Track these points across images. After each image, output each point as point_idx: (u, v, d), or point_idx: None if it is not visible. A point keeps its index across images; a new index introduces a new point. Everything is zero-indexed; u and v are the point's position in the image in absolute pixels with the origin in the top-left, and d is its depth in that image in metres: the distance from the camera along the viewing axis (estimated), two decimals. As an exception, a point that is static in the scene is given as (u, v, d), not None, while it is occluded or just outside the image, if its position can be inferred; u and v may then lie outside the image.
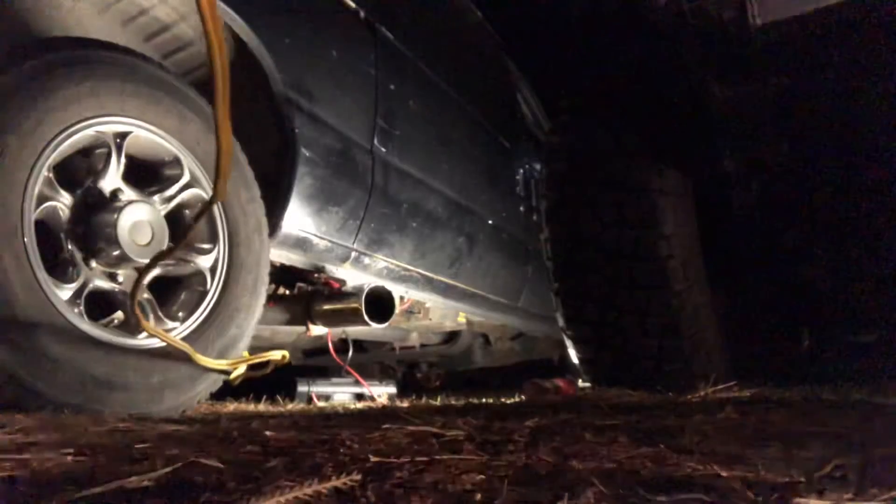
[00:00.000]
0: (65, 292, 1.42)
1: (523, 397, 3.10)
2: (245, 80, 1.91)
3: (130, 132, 1.58)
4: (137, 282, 1.49)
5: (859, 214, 2.00)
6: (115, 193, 1.57)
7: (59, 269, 1.46)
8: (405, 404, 2.68)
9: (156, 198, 1.67)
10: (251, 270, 1.83)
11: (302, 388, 3.15)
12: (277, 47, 1.97)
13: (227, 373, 1.75)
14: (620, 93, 2.28)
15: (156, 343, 1.56)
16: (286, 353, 2.03)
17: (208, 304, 1.72)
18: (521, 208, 3.69)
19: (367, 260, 2.48)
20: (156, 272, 1.62)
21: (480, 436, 1.10)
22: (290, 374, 3.23)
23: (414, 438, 1.10)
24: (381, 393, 3.42)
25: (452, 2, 3.47)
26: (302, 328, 2.72)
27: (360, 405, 2.91)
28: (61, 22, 1.81)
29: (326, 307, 2.63)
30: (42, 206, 1.41)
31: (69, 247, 1.49)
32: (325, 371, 3.61)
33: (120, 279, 1.59)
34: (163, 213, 1.66)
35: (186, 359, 1.61)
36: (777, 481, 0.73)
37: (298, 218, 2.10)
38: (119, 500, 0.67)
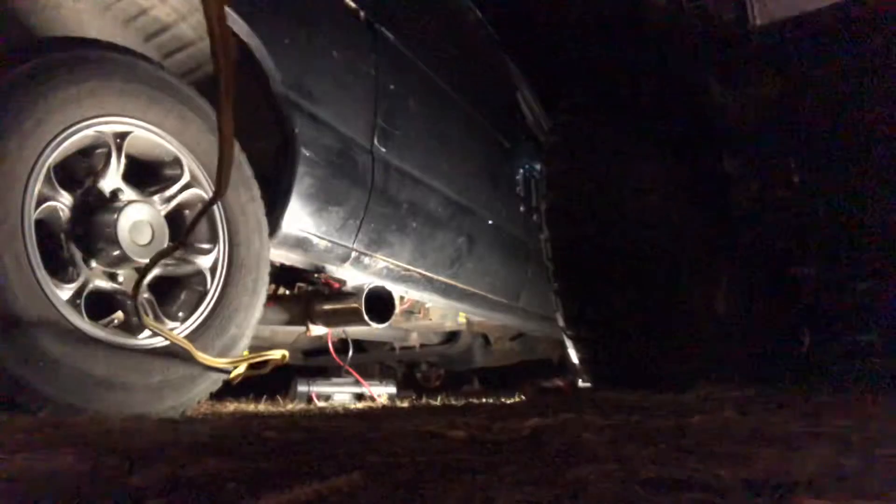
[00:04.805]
0: (65, 292, 1.42)
1: (523, 397, 3.10)
2: (245, 80, 1.91)
3: (130, 132, 1.58)
4: (139, 280, 1.49)
5: (860, 213, 2.00)
6: (115, 193, 1.57)
7: (59, 269, 1.46)
8: (405, 404, 2.68)
9: (156, 198, 1.67)
10: (251, 270, 1.83)
11: (302, 388, 3.15)
12: (277, 47, 1.97)
13: (228, 372, 1.75)
14: (620, 93, 2.28)
15: (156, 343, 1.56)
16: (286, 352, 2.03)
17: (208, 304, 1.72)
18: (521, 208, 3.69)
19: (367, 260, 2.48)
20: (156, 272, 1.62)
21: (480, 436, 1.10)
22: (290, 374, 3.24)
23: (414, 438, 1.10)
24: (381, 393, 3.42)
25: (452, 2, 3.47)
26: (302, 328, 2.72)
27: (360, 405, 2.91)
28: (61, 22, 1.81)
29: (326, 307, 2.63)
30: (42, 206, 1.41)
31: (69, 247, 1.49)
32: (325, 371, 3.61)
33: (120, 279, 1.59)
34: (163, 213, 1.66)
35: (187, 358, 1.61)
36: (777, 481, 0.73)
37: (298, 218, 2.09)
38: (119, 500, 0.67)
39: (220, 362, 1.70)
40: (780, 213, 2.11)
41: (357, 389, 3.33)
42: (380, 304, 2.64)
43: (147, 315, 1.57)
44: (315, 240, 2.20)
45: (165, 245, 1.61)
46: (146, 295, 1.62)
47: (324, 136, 2.15)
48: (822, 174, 2.01)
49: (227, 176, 1.20)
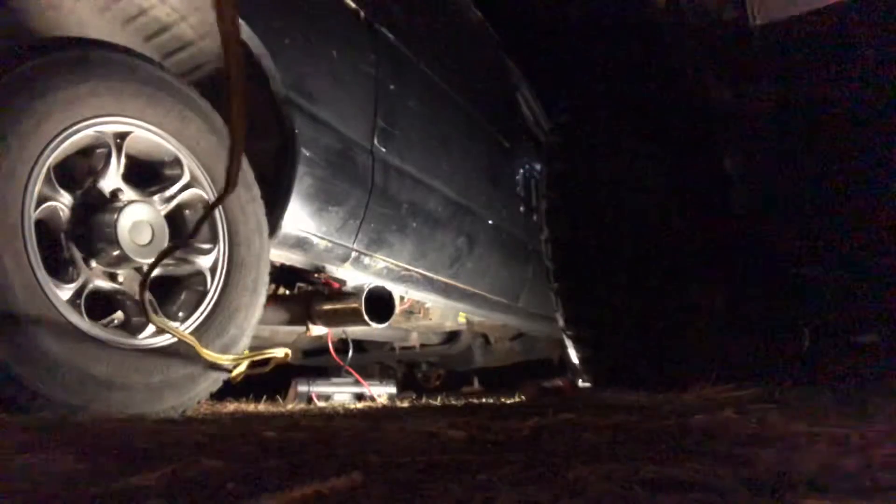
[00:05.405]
0: (65, 292, 1.42)
1: (523, 397, 3.10)
2: (245, 81, 1.91)
3: (130, 132, 1.58)
4: (145, 277, 1.49)
5: (860, 213, 2.00)
6: (115, 193, 1.57)
7: (59, 269, 1.46)
8: (405, 404, 2.69)
9: (156, 198, 1.67)
10: (251, 270, 1.83)
11: (302, 388, 3.15)
12: (277, 47, 1.97)
13: (229, 371, 1.75)
14: (620, 93, 2.28)
15: (156, 343, 1.56)
16: (288, 350, 2.03)
17: (208, 304, 1.72)
18: (521, 208, 3.69)
19: (367, 260, 2.48)
20: (156, 272, 1.62)
21: (480, 436, 1.10)
22: (290, 374, 3.24)
23: (414, 438, 1.10)
24: (381, 393, 3.42)
25: (452, 2, 3.47)
26: (302, 328, 2.72)
27: (360, 405, 2.91)
28: (61, 22, 1.81)
29: (326, 307, 2.63)
30: (42, 206, 1.41)
31: (69, 247, 1.49)
32: (325, 371, 3.61)
33: (120, 279, 1.59)
34: (163, 213, 1.66)
35: (187, 358, 1.61)
36: (777, 481, 0.73)
37: (298, 218, 2.10)
38: (119, 500, 0.67)
39: (224, 359, 1.71)
40: (780, 212, 2.11)
41: (357, 389, 3.34)
42: (380, 304, 2.64)
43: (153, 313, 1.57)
44: (315, 240, 2.20)
45: (165, 245, 1.61)
46: (146, 295, 1.62)
47: (324, 136, 2.15)
48: (822, 173, 2.01)
49: (236, 172, 1.20)
